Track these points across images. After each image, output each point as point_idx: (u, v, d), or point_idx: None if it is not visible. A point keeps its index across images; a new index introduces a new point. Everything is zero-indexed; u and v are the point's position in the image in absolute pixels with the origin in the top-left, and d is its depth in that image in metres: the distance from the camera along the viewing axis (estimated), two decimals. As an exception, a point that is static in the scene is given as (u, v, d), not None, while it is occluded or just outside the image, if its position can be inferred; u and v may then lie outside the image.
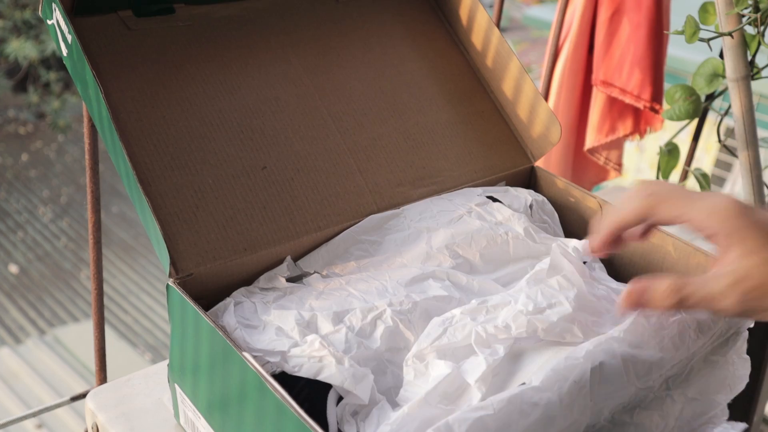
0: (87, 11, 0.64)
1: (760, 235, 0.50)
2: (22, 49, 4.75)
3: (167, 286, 0.58)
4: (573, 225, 0.76)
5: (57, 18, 0.62)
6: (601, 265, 0.66)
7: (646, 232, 0.58)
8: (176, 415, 0.64)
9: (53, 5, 0.62)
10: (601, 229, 0.56)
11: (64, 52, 0.63)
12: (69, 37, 0.61)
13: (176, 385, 0.62)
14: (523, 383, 0.48)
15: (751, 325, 0.59)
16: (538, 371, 0.49)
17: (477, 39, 0.81)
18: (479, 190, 0.74)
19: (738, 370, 0.58)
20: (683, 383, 0.56)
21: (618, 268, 0.72)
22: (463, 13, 0.81)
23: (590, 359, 0.49)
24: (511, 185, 0.78)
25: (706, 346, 0.56)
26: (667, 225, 0.55)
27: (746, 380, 0.59)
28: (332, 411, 0.54)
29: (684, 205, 0.52)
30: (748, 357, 0.59)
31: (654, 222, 0.54)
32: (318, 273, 0.65)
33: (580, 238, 0.75)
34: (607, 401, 0.50)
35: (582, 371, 0.49)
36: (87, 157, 0.74)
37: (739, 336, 0.58)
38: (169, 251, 0.58)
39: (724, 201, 0.52)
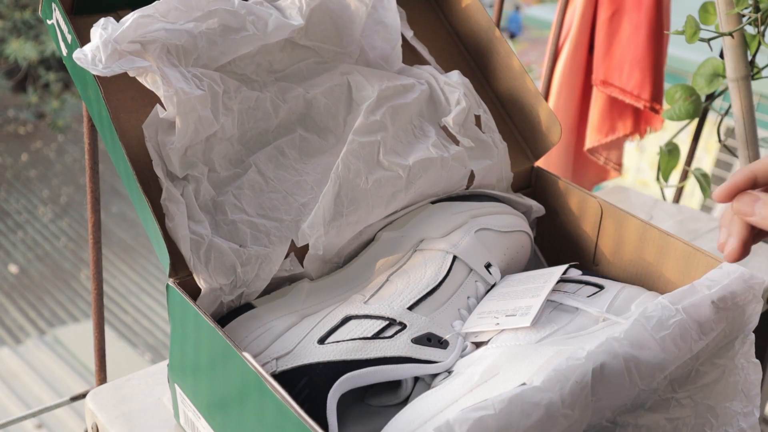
0: (86, 11, 0.64)
1: None
2: (22, 50, 4.75)
3: (167, 286, 0.58)
4: (573, 225, 0.76)
5: (57, 18, 0.62)
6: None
7: None
8: (176, 415, 0.64)
9: (53, 5, 0.62)
10: (732, 178, 0.52)
11: (64, 52, 0.63)
12: (69, 37, 0.61)
13: (176, 385, 0.62)
14: (524, 383, 0.48)
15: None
16: (539, 371, 0.49)
17: (477, 39, 0.81)
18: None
19: (750, 374, 0.58)
20: (689, 386, 0.56)
21: (618, 269, 0.72)
22: (464, 12, 0.81)
23: (592, 360, 0.49)
24: (512, 185, 0.78)
25: (710, 348, 0.56)
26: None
27: (759, 385, 0.58)
28: (332, 411, 0.54)
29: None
30: (758, 361, 0.58)
31: None
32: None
33: (580, 237, 0.75)
34: (609, 402, 0.50)
35: (583, 372, 0.49)
36: (87, 157, 0.74)
37: (746, 339, 0.58)
38: (169, 251, 0.58)
39: None
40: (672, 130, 1.14)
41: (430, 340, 0.60)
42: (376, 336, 0.59)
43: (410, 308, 0.61)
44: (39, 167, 5.34)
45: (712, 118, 1.20)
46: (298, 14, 0.67)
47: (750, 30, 0.93)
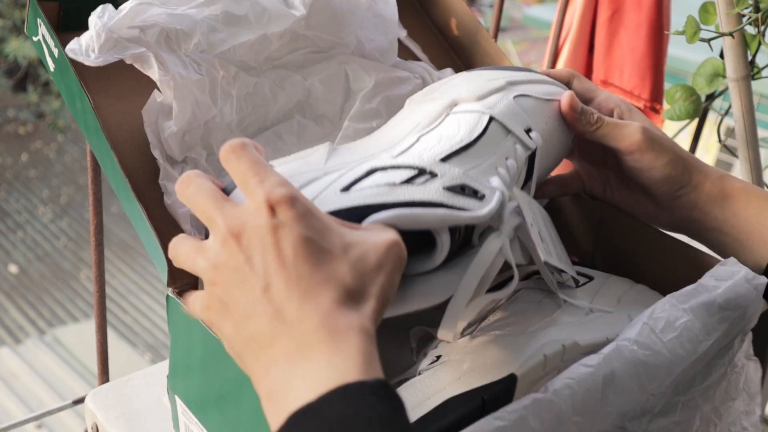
0: (72, 28, 0.63)
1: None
2: (22, 49, 4.75)
3: (167, 296, 0.57)
4: (573, 223, 0.76)
5: (42, 33, 0.61)
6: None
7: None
8: (175, 426, 0.63)
9: (38, 20, 0.61)
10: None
11: (51, 67, 0.62)
12: (56, 51, 0.60)
13: (176, 397, 0.61)
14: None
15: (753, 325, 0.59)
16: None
17: (464, 41, 0.81)
18: None
19: (750, 372, 0.58)
20: (694, 388, 0.55)
21: (617, 267, 0.72)
22: (450, 16, 0.81)
23: (602, 367, 0.49)
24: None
25: (713, 349, 0.56)
26: (581, 96, 0.68)
27: (759, 383, 0.58)
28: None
29: (595, 88, 0.70)
30: (756, 358, 0.58)
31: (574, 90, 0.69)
32: None
33: (579, 234, 0.75)
34: (619, 407, 0.50)
35: (594, 379, 0.48)
36: (89, 158, 0.74)
37: (744, 337, 0.58)
38: (166, 260, 0.57)
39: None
40: (672, 130, 1.14)
41: (464, 189, 0.53)
42: (405, 183, 0.52)
43: (443, 160, 0.54)
44: (39, 167, 5.33)
45: (712, 118, 1.20)
46: (300, 4, 0.67)
47: (750, 30, 0.93)
